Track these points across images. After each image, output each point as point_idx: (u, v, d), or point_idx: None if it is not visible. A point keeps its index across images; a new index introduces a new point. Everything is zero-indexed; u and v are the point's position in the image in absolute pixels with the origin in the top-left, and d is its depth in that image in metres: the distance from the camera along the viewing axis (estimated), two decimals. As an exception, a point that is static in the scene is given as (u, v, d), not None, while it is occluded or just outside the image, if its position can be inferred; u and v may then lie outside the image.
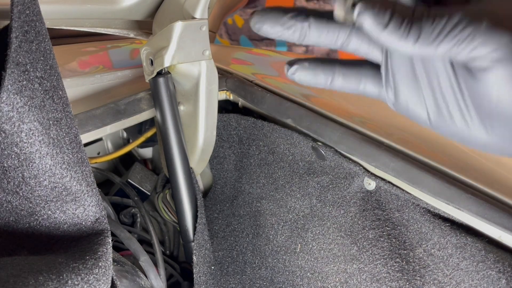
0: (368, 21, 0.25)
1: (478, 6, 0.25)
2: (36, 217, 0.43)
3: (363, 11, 0.25)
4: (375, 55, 0.31)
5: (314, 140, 0.65)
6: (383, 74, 0.31)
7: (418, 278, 0.55)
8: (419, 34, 0.24)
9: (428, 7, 0.25)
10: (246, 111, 0.78)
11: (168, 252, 0.82)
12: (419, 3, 0.26)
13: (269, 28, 0.29)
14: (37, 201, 0.42)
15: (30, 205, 0.42)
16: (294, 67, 0.32)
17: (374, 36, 0.26)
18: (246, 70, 0.84)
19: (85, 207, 0.45)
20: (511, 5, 0.25)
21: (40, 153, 0.39)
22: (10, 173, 0.39)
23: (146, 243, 0.76)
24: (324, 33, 0.30)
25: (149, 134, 0.78)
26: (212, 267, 0.73)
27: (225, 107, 0.80)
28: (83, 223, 0.45)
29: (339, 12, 0.26)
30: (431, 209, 0.54)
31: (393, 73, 0.30)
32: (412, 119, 0.31)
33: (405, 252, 0.56)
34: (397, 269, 0.56)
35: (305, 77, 0.32)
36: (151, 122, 0.79)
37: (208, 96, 0.68)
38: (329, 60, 0.33)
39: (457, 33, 0.24)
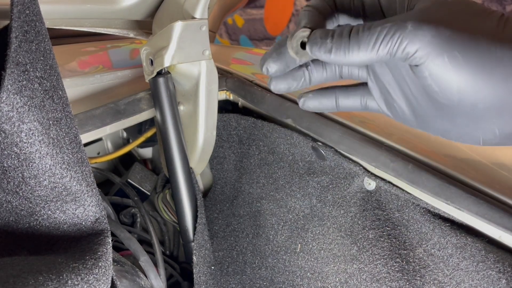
0: (317, 53, 0.30)
1: (410, 11, 0.30)
2: (36, 217, 0.43)
3: (310, 48, 0.31)
4: (364, 75, 0.37)
5: (314, 140, 0.65)
6: (371, 89, 0.37)
7: (418, 278, 0.55)
8: (359, 46, 0.29)
9: (364, 23, 0.30)
10: (246, 111, 0.78)
11: (168, 252, 0.82)
12: (351, 25, 0.31)
13: (286, 85, 0.36)
14: (37, 201, 0.42)
15: (30, 205, 0.42)
16: (302, 100, 0.39)
17: (328, 61, 0.31)
18: (246, 70, 0.84)
19: (85, 207, 0.45)
20: (434, 5, 0.29)
21: (40, 153, 0.39)
22: (10, 173, 0.39)
23: (146, 243, 0.75)
24: (324, 72, 0.37)
25: (149, 134, 0.78)
26: (212, 267, 0.73)
27: (225, 107, 0.80)
28: (83, 223, 0.45)
29: (293, 54, 0.32)
30: (431, 209, 0.54)
31: (379, 87, 0.36)
32: (406, 124, 0.36)
33: (405, 252, 0.56)
34: (397, 269, 0.56)
35: (312, 105, 0.38)
36: (151, 122, 0.79)
37: (208, 96, 0.68)
38: (330, 87, 0.39)
39: (389, 38, 0.28)
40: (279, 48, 0.34)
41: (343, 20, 0.34)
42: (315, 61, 0.36)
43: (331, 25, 0.34)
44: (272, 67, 0.34)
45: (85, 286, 0.39)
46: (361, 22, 0.34)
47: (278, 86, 0.36)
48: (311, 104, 0.38)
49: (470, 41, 0.27)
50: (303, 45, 0.32)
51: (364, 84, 0.37)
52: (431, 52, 0.27)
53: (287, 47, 0.33)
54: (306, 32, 0.31)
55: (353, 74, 0.37)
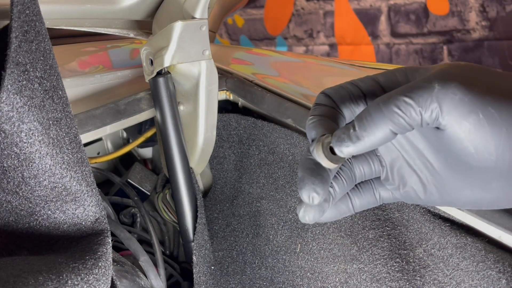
0: (348, 149, 0.28)
1: (427, 74, 0.28)
2: (36, 217, 0.43)
3: (339, 146, 0.28)
4: (369, 171, 0.35)
5: (314, 140, 0.65)
6: (384, 176, 0.35)
7: (418, 278, 0.55)
8: (385, 118, 0.27)
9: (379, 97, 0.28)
10: (246, 111, 0.78)
11: (168, 252, 0.82)
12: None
13: (318, 212, 0.33)
14: (37, 201, 0.42)
15: (30, 205, 0.42)
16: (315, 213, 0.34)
17: (361, 149, 0.28)
18: (246, 70, 0.84)
19: (85, 207, 0.45)
20: (450, 67, 0.27)
21: (40, 153, 0.39)
22: (10, 173, 0.39)
23: (146, 243, 0.75)
24: (344, 186, 0.34)
25: (149, 134, 0.78)
26: (212, 267, 0.73)
27: (225, 107, 0.80)
28: (83, 223, 0.45)
29: (328, 164, 0.29)
30: (431, 209, 0.54)
31: (391, 175, 0.34)
32: (425, 204, 0.35)
33: (405, 252, 0.56)
34: (397, 269, 0.56)
35: (331, 214, 0.35)
36: (151, 122, 0.79)
37: (208, 96, 0.68)
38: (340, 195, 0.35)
39: (416, 101, 0.26)
40: (309, 169, 0.30)
41: (348, 116, 0.32)
42: (336, 180, 0.33)
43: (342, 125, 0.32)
44: (319, 193, 0.30)
45: (85, 286, 0.39)
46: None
47: (311, 216, 0.32)
48: (329, 213, 0.35)
49: (500, 96, 0.25)
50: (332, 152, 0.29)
51: (372, 180, 0.36)
52: (463, 111, 0.25)
53: (319, 161, 0.30)
54: (329, 137, 0.29)
55: (366, 173, 0.35)
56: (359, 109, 0.32)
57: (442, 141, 0.28)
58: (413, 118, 0.26)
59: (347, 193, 0.35)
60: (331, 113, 0.31)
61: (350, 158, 0.35)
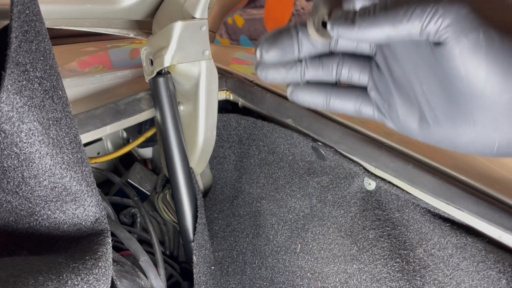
0: (340, 30, 0.28)
1: None
2: (36, 217, 0.43)
3: (332, 24, 0.28)
4: (365, 80, 0.34)
5: (314, 140, 0.65)
6: (372, 90, 0.33)
7: (418, 278, 0.55)
8: (387, 19, 0.26)
9: None
10: (246, 111, 0.78)
11: (168, 252, 0.82)
12: None
13: (276, 74, 0.33)
14: (37, 201, 0.42)
15: (30, 205, 0.42)
16: (290, 89, 0.35)
17: (351, 37, 0.28)
18: (246, 70, 0.84)
19: (85, 207, 0.45)
20: None
21: (40, 153, 0.39)
22: (10, 173, 0.39)
23: (146, 243, 0.75)
24: (320, 70, 0.33)
25: (149, 134, 0.78)
26: (212, 267, 0.73)
27: (225, 107, 0.80)
28: (83, 223, 0.45)
29: (313, 34, 0.30)
30: (431, 209, 0.54)
31: (382, 86, 0.33)
32: (405, 132, 0.33)
33: (405, 252, 0.56)
34: (397, 269, 0.56)
35: (302, 97, 0.35)
36: (151, 122, 0.79)
37: (208, 96, 0.68)
38: (324, 83, 0.35)
39: (421, 9, 0.25)
40: (279, 34, 0.32)
41: (358, 4, 0.31)
42: (312, 58, 0.34)
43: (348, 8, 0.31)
44: (268, 52, 0.31)
45: (85, 286, 0.39)
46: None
47: (267, 75, 0.33)
48: (301, 96, 0.35)
49: (507, 22, 0.25)
50: (323, 25, 0.29)
51: (361, 89, 0.35)
52: (465, 27, 0.25)
53: (308, 26, 0.30)
54: (326, 10, 0.29)
55: (353, 77, 0.34)
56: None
57: (437, 59, 0.27)
58: (415, 26, 0.26)
59: (327, 89, 0.35)
60: None
61: (340, 51, 0.34)
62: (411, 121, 0.31)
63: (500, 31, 0.25)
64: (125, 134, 0.90)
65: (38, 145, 0.38)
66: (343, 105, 0.34)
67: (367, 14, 0.27)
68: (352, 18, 0.28)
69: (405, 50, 0.30)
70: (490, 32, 0.25)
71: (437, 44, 0.27)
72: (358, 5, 0.29)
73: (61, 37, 0.93)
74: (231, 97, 0.78)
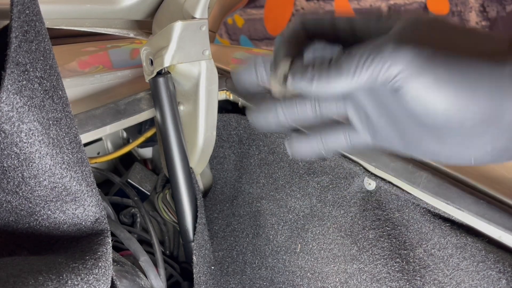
0: (299, 84, 0.30)
1: (388, 34, 0.29)
2: (36, 217, 0.43)
3: (292, 78, 0.30)
4: (343, 110, 0.36)
5: (314, 140, 0.65)
6: (353, 121, 0.35)
7: (418, 278, 0.55)
8: (341, 73, 0.28)
9: (343, 50, 0.29)
10: (246, 111, 0.78)
11: (168, 252, 0.82)
12: (333, 51, 0.30)
13: (262, 118, 0.36)
14: (37, 201, 0.42)
15: (30, 205, 0.42)
16: (288, 146, 0.37)
17: (310, 92, 0.30)
18: (246, 70, 0.84)
19: (85, 207, 0.45)
20: (411, 25, 0.28)
21: (40, 153, 0.39)
22: (10, 173, 0.39)
23: (146, 243, 0.75)
24: (295, 112, 0.35)
25: (149, 134, 0.78)
26: (212, 267, 0.73)
27: (225, 107, 0.80)
28: (83, 223, 0.45)
29: (277, 88, 0.32)
30: (431, 209, 0.54)
31: (360, 118, 0.35)
32: (394, 151, 0.34)
33: (405, 252, 0.56)
34: (397, 269, 0.56)
35: (304, 149, 0.37)
36: (151, 122, 0.79)
37: (208, 96, 0.68)
38: (314, 132, 0.37)
39: (370, 62, 0.27)
40: (252, 68, 0.34)
41: (319, 46, 0.33)
42: (286, 103, 0.36)
43: (309, 54, 0.33)
44: (243, 76, 0.34)
45: (85, 286, 0.39)
46: (337, 47, 0.33)
47: (256, 119, 0.36)
48: (302, 148, 0.37)
49: (450, 59, 0.26)
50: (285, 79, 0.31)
51: (342, 122, 0.36)
52: (413, 73, 0.26)
53: (271, 82, 0.32)
54: (288, 63, 0.31)
55: (331, 109, 0.36)
56: (331, 45, 0.33)
57: (398, 101, 0.29)
58: (365, 78, 0.27)
59: (320, 129, 0.36)
60: (300, 38, 0.33)
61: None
62: (395, 141, 0.33)
63: (447, 66, 0.26)
64: (125, 134, 0.90)
65: (38, 145, 0.38)
66: (335, 141, 0.36)
67: (323, 68, 0.29)
68: (310, 73, 0.29)
69: (368, 94, 0.32)
70: (438, 70, 0.26)
71: (394, 89, 0.28)
72: (315, 56, 0.31)
73: (61, 37, 0.93)
74: (231, 97, 0.78)
